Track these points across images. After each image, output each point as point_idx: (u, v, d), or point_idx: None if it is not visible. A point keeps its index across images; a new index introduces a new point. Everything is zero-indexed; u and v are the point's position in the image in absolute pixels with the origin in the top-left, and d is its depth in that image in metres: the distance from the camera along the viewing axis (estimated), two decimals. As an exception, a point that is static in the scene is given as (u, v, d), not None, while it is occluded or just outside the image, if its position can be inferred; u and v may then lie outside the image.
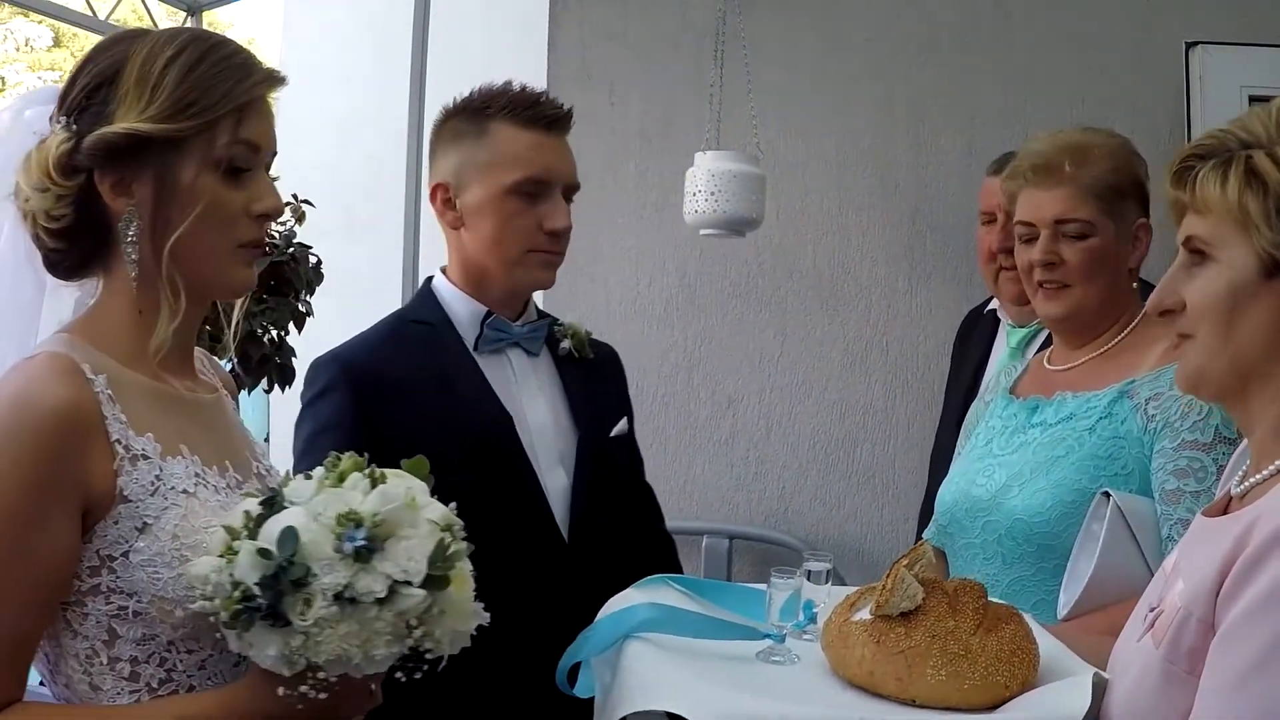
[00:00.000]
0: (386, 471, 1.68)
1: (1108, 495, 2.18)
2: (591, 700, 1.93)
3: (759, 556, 4.51)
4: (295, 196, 4.88)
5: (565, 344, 2.63)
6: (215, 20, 8.16)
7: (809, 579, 1.96)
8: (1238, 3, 4.31)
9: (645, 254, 4.84)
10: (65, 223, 1.75)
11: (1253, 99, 3.99)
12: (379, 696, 1.77)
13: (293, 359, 4.72)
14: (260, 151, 1.81)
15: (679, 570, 2.70)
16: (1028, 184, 2.54)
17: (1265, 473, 1.60)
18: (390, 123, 5.28)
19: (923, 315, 4.54)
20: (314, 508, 1.59)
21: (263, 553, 1.55)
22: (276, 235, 4.52)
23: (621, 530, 2.60)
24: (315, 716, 1.65)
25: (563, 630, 2.00)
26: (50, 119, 1.78)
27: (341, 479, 1.64)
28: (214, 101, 1.74)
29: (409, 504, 1.62)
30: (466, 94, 2.54)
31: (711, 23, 4.28)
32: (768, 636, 1.89)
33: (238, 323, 1.97)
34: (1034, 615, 2.18)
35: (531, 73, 4.76)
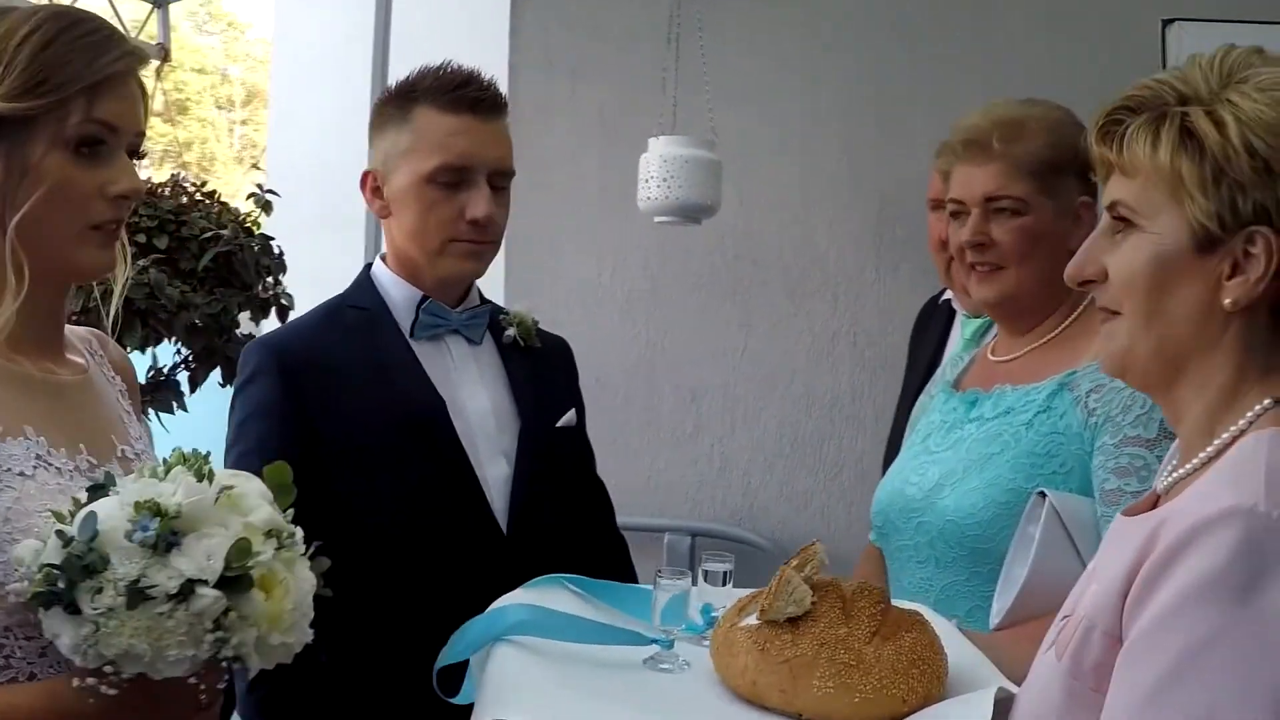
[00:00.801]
0: (227, 472, 1.65)
1: (1044, 495, 2.10)
2: None
3: (723, 554, 4.43)
4: (260, 187, 4.98)
5: (510, 332, 2.59)
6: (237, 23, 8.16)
7: (705, 579, 1.90)
8: None
9: (606, 244, 4.86)
10: None
11: (1231, 76, 3.98)
12: (214, 711, 1.73)
13: (250, 351, 4.76)
14: (118, 132, 1.80)
15: (631, 572, 2.69)
16: (959, 160, 2.46)
17: (1188, 468, 1.50)
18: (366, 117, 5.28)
19: (891, 305, 4.53)
20: (126, 497, 1.55)
21: (61, 535, 1.53)
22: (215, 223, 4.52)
23: (567, 525, 2.57)
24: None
25: None
26: None
27: (168, 472, 1.59)
28: (65, 80, 1.74)
29: (227, 503, 1.57)
30: (397, 80, 2.53)
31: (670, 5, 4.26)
32: (655, 642, 1.81)
33: (117, 308, 1.98)
34: (967, 623, 2.16)
35: (494, 60, 4.79)
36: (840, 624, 1.66)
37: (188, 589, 1.49)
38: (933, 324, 3.64)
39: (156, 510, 1.52)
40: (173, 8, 5.75)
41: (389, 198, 2.49)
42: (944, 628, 1.81)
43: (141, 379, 4.42)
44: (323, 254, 5.32)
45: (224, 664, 1.58)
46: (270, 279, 4.81)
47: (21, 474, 1.71)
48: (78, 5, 5.27)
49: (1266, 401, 1.46)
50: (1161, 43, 4.16)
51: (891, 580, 2.48)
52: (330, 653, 1.94)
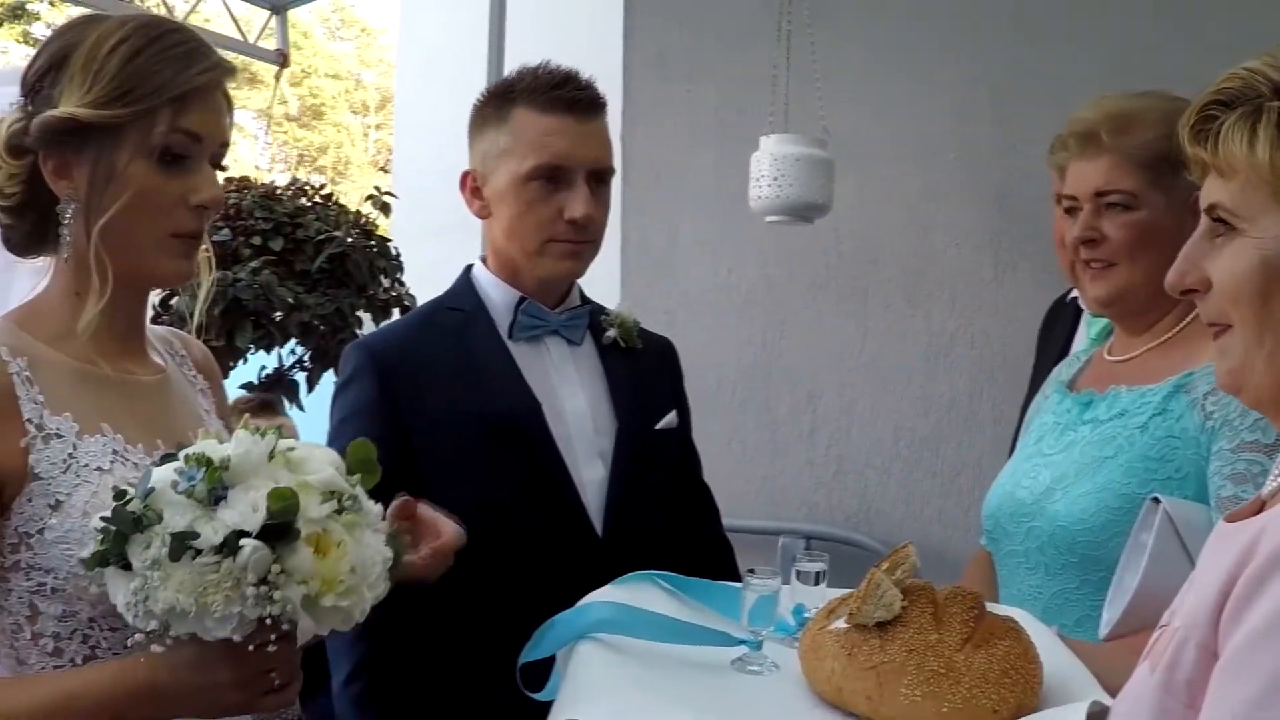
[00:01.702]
0: (294, 443, 1.68)
1: (1158, 501, 2.02)
2: None
3: (838, 558, 4.41)
4: (378, 189, 5.17)
5: (611, 333, 2.60)
6: (370, 29, 8.28)
7: (798, 579, 1.90)
8: None
9: (722, 245, 4.89)
10: (15, 200, 1.83)
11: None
12: (289, 696, 1.77)
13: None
14: (202, 142, 1.84)
15: (735, 577, 2.65)
16: (1071, 155, 2.41)
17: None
18: None
19: (1009, 305, 4.51)
20: (154, 470, 1.63)
21: (117, 494, 1.60)
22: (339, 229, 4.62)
23: (666, 529, 2.57)
24: (217, 705, 1.68)
25: None
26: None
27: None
28: (152, 90, 1.79)
29: (283, 461, 1.61)
30: (501, 79, 2.55)
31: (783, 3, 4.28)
32: (743, 643, 1.80)
33: (201, 314, 2.04)
34: (1075, 632, 2.14)
35: (608, 61, 4.86)
36: (931, 630, 1.63)
37: (233, 542, 1.52)
38: (1059, 322, 3.59)
39: (203, 461, 1.56)
40: (305, 14, 5.90)
41: (488, 197, 2.52)
42: (1042, 635, 1.78)
43: (256, 378, 4.55)
44: (447, 256, 5.39)
45: (275, 624, 1.58)
46: (386, 280, 4.95)
47: (99, 469, 1.77)
48: (201, 4, 5.37)
49: None
50: None
51: (1000, 586, 2.45)
52: (424, 651, 1.97)
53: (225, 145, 1.92)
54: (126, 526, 1.56)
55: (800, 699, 1.69)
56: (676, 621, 1.91)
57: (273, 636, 1.61)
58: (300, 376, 4.68)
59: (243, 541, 1.52)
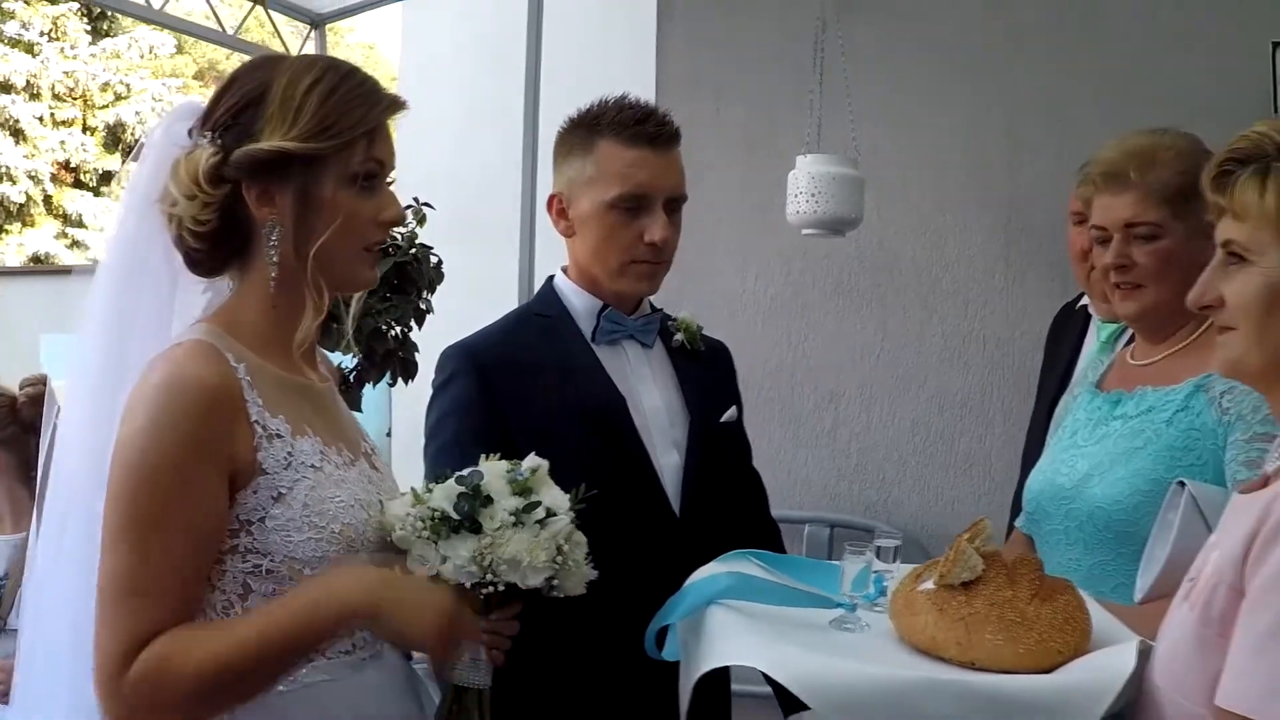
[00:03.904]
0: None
1: (1183, 485, 2.20)
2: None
3: (859, 545, 4.58)
4: (416, 200, 5.11)
5: (678, 336, 2.76)
6: (337, 28, 8.40)
7: (879, 555, 2.05)
8: None
9: (751, 254, 4.98)
10: (209, 227, 1.93)
11: (1341, 97, 4.02)
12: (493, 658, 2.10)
13: (415, 354, 4.96)
14: (386, 167, 2.01)
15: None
16: (1099, 190, 2.61)
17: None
18: (507, 130, 5.46)
19: (1018, 310, 4.61)
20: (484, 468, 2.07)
21: (459, 479, 2.02)
22: (399, 237, 4.73)
23: (730, 511, 2.71)
24: (413, 629, 1.93)
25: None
26: (190, 132, 1.97)
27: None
28: (350, 124, 1.93)
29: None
30: (583, 108, 2.67)
31: (811, 31, 4.40)
32: (840, 606, 1.99)
33: (356, 316, 2.17)
34: (1111, 598, 2.28)
35: (641, 81, 4.90)
36: (1007, 587, 1.83)
37: (548, 517, 2.00)
38: (1068, 329, 3.75)
39: (514, 469, 2.06)
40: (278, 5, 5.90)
41: (573, 219, 2.64)
42: (1086, 595, 1.96)
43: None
44: (453, 260, 5.46)
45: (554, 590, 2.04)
46: (431, 289, 5.04)
47: (313, 466, 1.93)
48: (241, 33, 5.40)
49: None
50: (1272, 64, 4.17)
51: (1042, 560, 2.46)
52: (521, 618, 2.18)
53: (394, 168, 2.05)
54: (477, 507, 1.97)
55: (895, 648, 1.88)
56: (785, 587, 2.10)
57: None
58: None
59: (555, 518, 1.98)
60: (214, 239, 1.96)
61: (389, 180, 2.05)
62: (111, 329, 1.99)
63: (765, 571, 2.20)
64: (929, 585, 1.87)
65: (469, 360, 2.63)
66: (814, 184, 3.94)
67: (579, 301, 2.69)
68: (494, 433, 2.35)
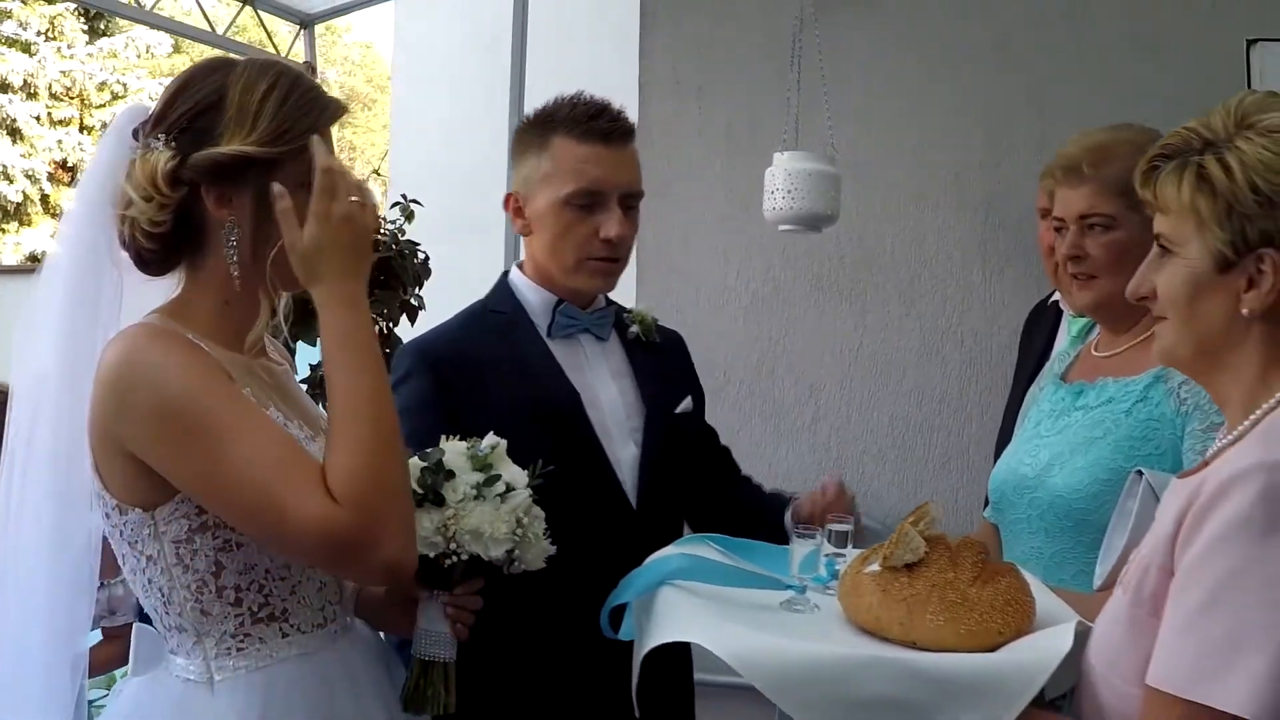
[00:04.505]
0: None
1: (1141, 474, 2.21)
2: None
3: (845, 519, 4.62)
4: (404, 196, 5.14)
5: (633, 329, 2.77)
6: (334, 26, 8.43)
7: (830, 540, 2.10)
8: None
9: (733, 250, 5.00)
10: (164, 228, 1.96)
11: (1313, 93, 4.10)
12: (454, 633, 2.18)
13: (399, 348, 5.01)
14: None
15: (751, 484, 2.94)
16: (1058, 184, 2.68)
17: (1229, 438, 1.74)
18: (495, 126, 5.43)
19: (996, 306, 4.64)
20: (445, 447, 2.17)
21: (422, 456, 2.11)
22: (385, 233, 4.75)
23: (688, 499, 2.76)
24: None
25: None
26: (135, 134, 2.00)
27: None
28: (304, 129, 1.97)
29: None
30: (538, 107, 2.69)
31: (790, 31, 4.41)
32: (790, 588, 2.04)
33: (288, 309, 2.20)
34: (1072, 585, 2.33)
35: (625, 80, 4.96)
36: (949, 569, 1.86)
37: (507, 491, 2.10)
38: (1042, 322, 3.80)
39: (474, 446, 2.16)
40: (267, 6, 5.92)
41: (529, 217, 2.65)
42: (1031, 579, 1.98)
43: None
44: (444, 257, 5.55)
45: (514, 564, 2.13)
46: (417, 284, 5.03)
47: None
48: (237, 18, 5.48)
49: None
50: (1246, 61, 4.22)
51: (1006, 549, 2.67)
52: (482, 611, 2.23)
53: None
54: (441, 476, 2.04)
55: (841, 628, 1.92)
56: (737, 569, 2.14)
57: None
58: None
59: (515, 492, 2.06)
60: (166, 239, 1.99)
61: None
62: (65, 328, 2.01)
63: (721, 555, 2.23)
64: (874, 568, 1.91)
65: (423, 359, 2.65)
66: (790, 181, 3.93)
67: (534, 297, 2.70)
68: (452, 430, 2.33)
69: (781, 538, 2.44)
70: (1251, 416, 1.71)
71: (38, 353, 2.02)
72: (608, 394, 2.68)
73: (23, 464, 2.00)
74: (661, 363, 2.80)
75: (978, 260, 4.76)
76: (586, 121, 2.59)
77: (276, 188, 1.94)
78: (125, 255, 2.03)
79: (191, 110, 1.97)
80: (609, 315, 2.75)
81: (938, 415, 4.79)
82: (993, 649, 1.80)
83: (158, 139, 1.97)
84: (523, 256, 2.78)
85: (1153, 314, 1.86)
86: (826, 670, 1.74)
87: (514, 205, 2.70)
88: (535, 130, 2.66)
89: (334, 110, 2.05)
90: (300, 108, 1.99)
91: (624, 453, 2.65)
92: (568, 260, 2.63)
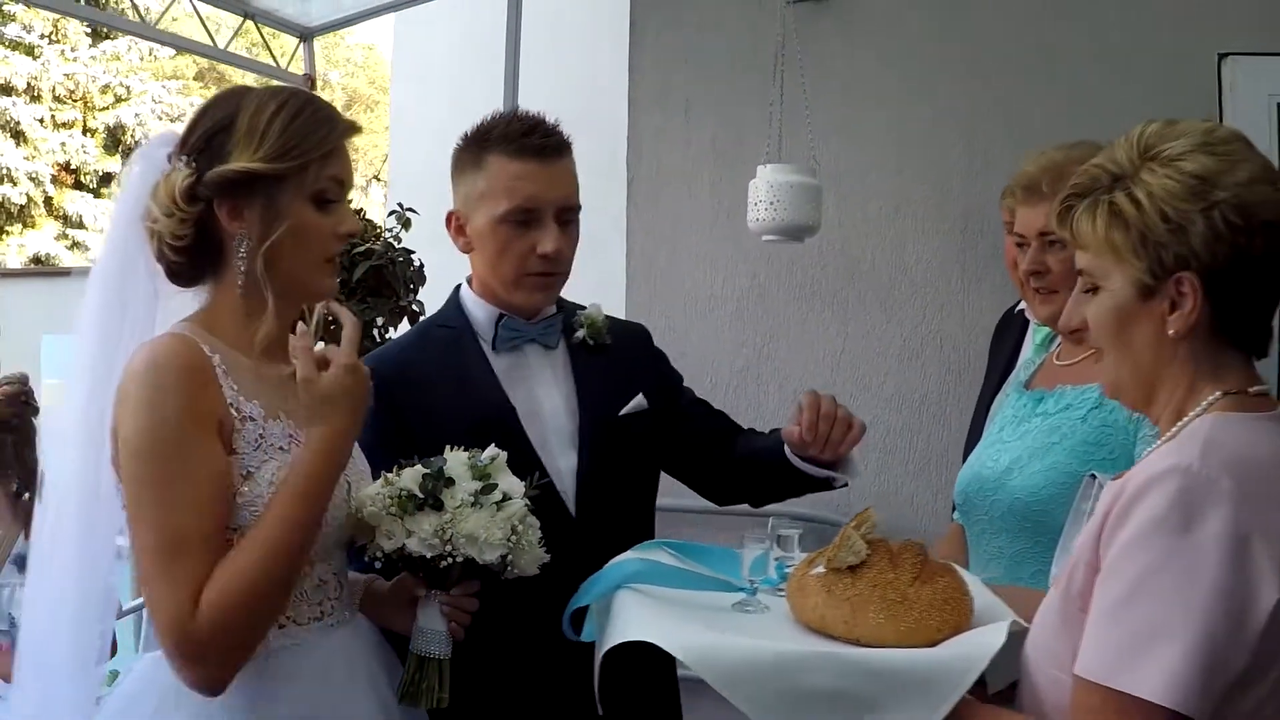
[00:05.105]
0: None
1: (1094, 477, 2.24)
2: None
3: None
4: (401, 205, 5.24)
5: (579, 334, 2.77)
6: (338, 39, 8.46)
7: (779, 544, 2.16)
8: (1268, 14, 4.42)
9: (718, 259, 5.06)
10: (186, 241, 2.11)
11: (1281, 106, 4.11)
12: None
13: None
14: (344, 185, 2.18)
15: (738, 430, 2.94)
16: (1019, 202, 2.79)
17: (1152, 448, 1.83)
18: None
19: (974, 314, 4.69)
20: (448, 456, 2.25)
21: (425, 464, 2.21)
22: (378, 241, 4.86)
23: (635, 504, 2.76)
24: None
25: (572, 593, 2.23)
26: (168, 157, 2.14)
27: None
28: (310, 146, 2.11)
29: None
30: (474, 125, 2.68)
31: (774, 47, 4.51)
32: (741, 590, 2.10)
33: (319, 318, 2.32)
34: (1032, 583, 2.41)
35: (615, 93, 5.05)
36: (889, 570, 1.92)
37: (504, 500, 2.18)
38: (1009, 331, 3.84)
39: (474, 457, 2.24)
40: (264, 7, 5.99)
41: (470, 235, 2.66)
42: (971, 579, 2.04)
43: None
44: (442, 262, 5.57)
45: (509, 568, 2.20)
46: (412, 291, 5.11)
47: (281, 448, 2.09)
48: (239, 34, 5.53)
49: (1217, 393, 1.77)
50: (1218, 75, 4.25)
51: (971, 548, 2.75)
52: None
53: (352, 185, 2.22)
54: (441, 484, 2.16)
55: (790, 628, 1.98)
56: (691, 573, 2.22)
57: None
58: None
59: (511, 501, 2.16)
60: (190, 252, 2.13)
61: (348, 198, 2.22)
62: (101, 336, 2.14)
63: (676, 559, 2.31)
64: (820, 570, 1.98)
65: (374, 382, 2.65)
66: (773, 192, 4.00)
67: (480, 313, 2.73)
68: (397, 445, 2.35)
69: (798, 479, 2.63)
70: (1178, 424, 1.79)
71: (78, 356, 2.15)
72: (550, 403, 2.70)
73: (64, 464, 2.15)
74: (612, 363, 2.79)
75: (956, 269, 4.81)
76: (519, 139, 2.60)
77: (301, 344, 2.09)
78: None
79: (208, 131, 2.12)
80: (556, 323, 2.76)
81: (917, 419, 4.83)
82: (932, 645, 1.87)
83: (181, 159, 2.11)
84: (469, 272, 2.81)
85: (1090, 345, 1.94)
86: (775, 666, 1.81)
87: (455, 224, 2.71)
88: (471, 148, 2.67)
89: (343, 129, 2.17)
90: (308, 126, 2.11)
91: (563, 462, 2.66)
92: (507, 276, 2.65)
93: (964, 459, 3.79)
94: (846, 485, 2.66)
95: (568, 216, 2.67)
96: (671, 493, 3.00)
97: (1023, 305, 3.75)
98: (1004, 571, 2.62)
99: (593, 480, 2.67)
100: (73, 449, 2.14)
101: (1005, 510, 2.61)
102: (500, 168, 2.61)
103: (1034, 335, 3.63)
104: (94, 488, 2.10)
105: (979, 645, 1.83)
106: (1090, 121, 4.31)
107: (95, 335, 2.15)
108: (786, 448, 2.64)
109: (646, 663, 2.14)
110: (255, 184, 2.09)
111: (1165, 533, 1.61)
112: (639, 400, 2.76)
